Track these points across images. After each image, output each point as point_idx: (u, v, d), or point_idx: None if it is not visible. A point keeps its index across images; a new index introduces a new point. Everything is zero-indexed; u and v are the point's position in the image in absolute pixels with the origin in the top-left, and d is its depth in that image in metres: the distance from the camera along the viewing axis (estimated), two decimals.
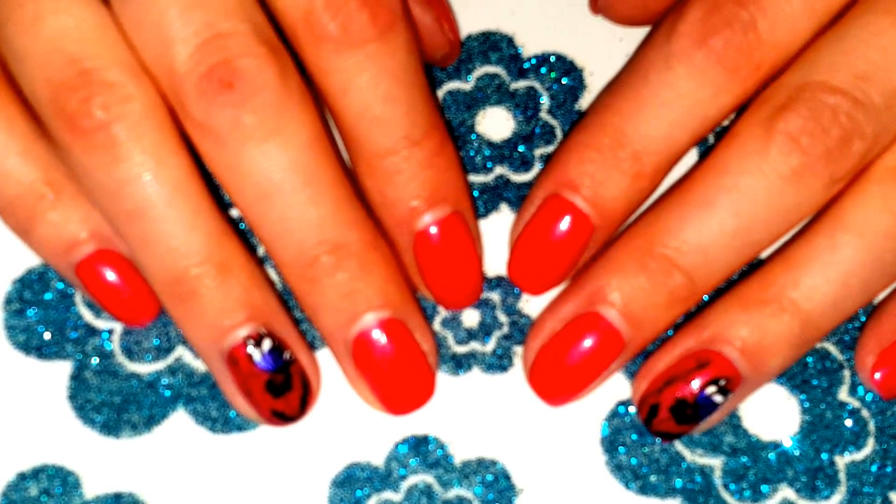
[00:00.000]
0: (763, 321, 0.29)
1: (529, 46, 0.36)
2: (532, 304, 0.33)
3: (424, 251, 0.30)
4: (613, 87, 0.31)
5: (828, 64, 0.28)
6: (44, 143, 0.30)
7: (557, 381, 0.30)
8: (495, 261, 0.33)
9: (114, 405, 0.31)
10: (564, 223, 0.30)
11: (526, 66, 0.35)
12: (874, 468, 0.31)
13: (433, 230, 0.30)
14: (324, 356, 0.32)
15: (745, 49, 0.28)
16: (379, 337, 0.29)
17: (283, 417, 0.30)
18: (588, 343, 0.30)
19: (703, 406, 0.29)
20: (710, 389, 0.29)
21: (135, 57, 0.28)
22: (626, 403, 0.32)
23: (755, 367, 0.29)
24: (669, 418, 0.30)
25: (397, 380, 0.30)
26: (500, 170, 0.34)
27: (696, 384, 0.29)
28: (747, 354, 0.29)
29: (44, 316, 0.32)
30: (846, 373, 0.32)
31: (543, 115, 0.35)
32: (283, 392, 0.29)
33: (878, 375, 0.31)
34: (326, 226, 0.28)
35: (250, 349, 0.29)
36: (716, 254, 0.29)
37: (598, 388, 0.31)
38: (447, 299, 0.32)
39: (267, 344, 0.29)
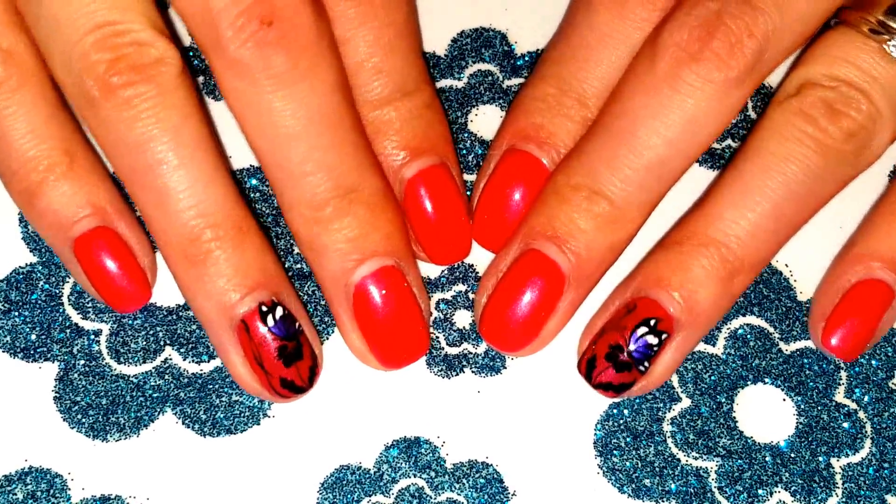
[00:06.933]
0: (683, 259, 0.29)
1: (523, 43, 0.35)
2: None
3: (413, 200, 0.31)
4: (552, 40, 0.32)
5: None
6: (67, 115, 0.30)
7: (510, 325, 0.30)
8: (487, 259, 0.32)
9: (101, 407, 0.31)
10: (521, 174, 0.31)
11: (519, 63, 0.35)
12: (871, 471, 0.31)
13: (421, 180, 0.30)
14: None
15: None
16: (380, 284, 0.29)
17: (292, 388, 0.30)
18: (530, 281, 0.30)
19: (637, 350, 0.29)
20: (642, 331, 0.29)
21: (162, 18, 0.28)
22: (619, 406, 0.31)
23: (684, 304, 0.29)
24: (607, 367, 0.30)
25: (393, 329, 0.30)
26: None
27: (625, 327, 0.29)
28: (673, 293, 0.29)
29: (30, 317, 0.32)
30: (843, 374, 0.32)
31: None
32: (294, 360, 0.29)
33: (834, 341, 0.31)
34: (343, 170, 0.29)
35: (260, 320, 0.29)
36: (627, 176, 0.29)
37: (590, 390, 0.31)
38: (437, 251, 0.32)
39: (280, 311, 0.29)
